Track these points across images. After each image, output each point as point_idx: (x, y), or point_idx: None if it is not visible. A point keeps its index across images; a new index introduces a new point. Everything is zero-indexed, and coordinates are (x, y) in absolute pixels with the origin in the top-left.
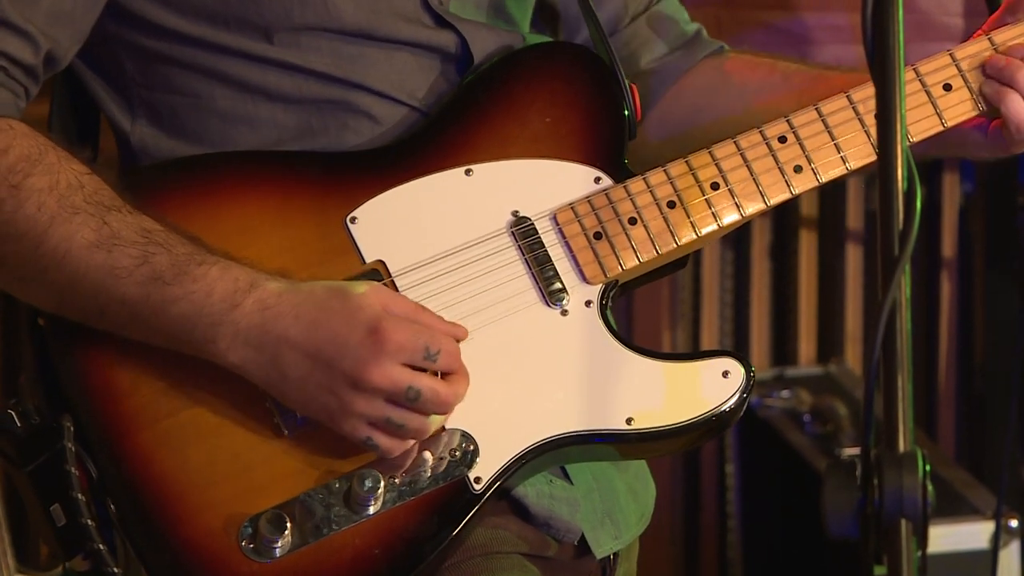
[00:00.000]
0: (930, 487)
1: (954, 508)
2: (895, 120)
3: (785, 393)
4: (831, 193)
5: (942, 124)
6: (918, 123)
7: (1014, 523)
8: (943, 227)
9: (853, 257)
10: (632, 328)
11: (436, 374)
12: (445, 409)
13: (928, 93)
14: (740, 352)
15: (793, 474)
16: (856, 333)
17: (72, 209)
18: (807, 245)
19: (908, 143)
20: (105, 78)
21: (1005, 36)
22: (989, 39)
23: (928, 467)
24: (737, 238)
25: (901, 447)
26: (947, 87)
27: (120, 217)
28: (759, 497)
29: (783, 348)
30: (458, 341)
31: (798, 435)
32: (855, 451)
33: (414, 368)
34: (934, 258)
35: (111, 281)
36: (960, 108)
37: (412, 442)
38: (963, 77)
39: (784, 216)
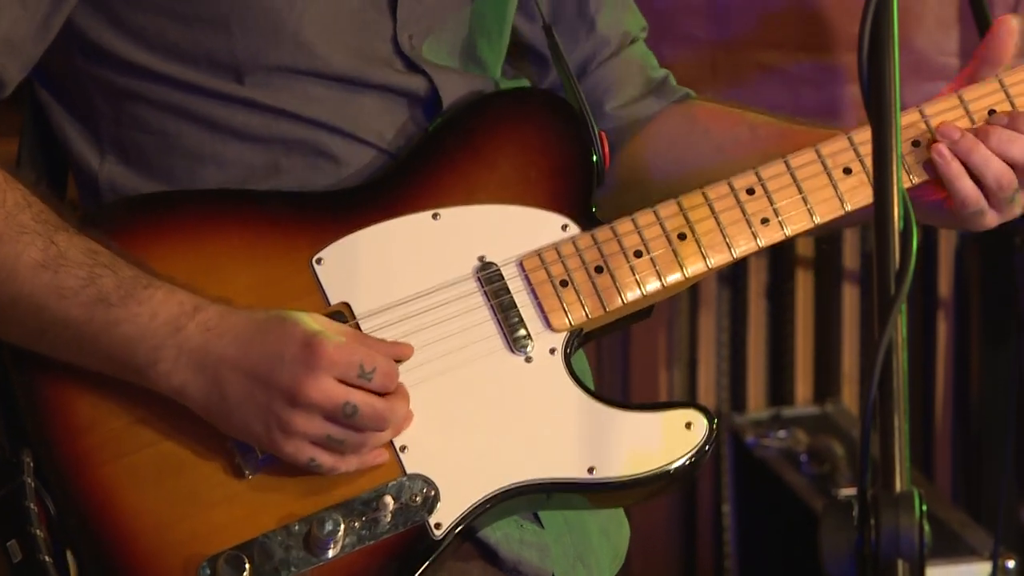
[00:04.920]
0: (927, 527)
1: (951, 548)
2: (891, 160)
3: (782, 433)
4: (827, 234)
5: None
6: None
7: (1011, 564)
8: (939, 267)
9: (849, 297)
10: (628, 369)
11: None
12: (383, 425)
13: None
14: (704, 404)
15: (790, 514)
16: (853, 373)
17: (19, 228)
18: (803, 285)
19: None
20: (74, 114)
21: (975, 94)
22: (959, 96)
23: (925, 507)
24: (733, 278)
25: (898, 487)
26: (915, 143)
27: (67, 237)
28: (756, 537)
29: (780, 388)
30: (400, 361)
31: (795, 475)
32: (852, 491)
33: (350, 384)
34: (930, 298)
35: (56, 301)
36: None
37: (355, 459)
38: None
39: (780, 256)
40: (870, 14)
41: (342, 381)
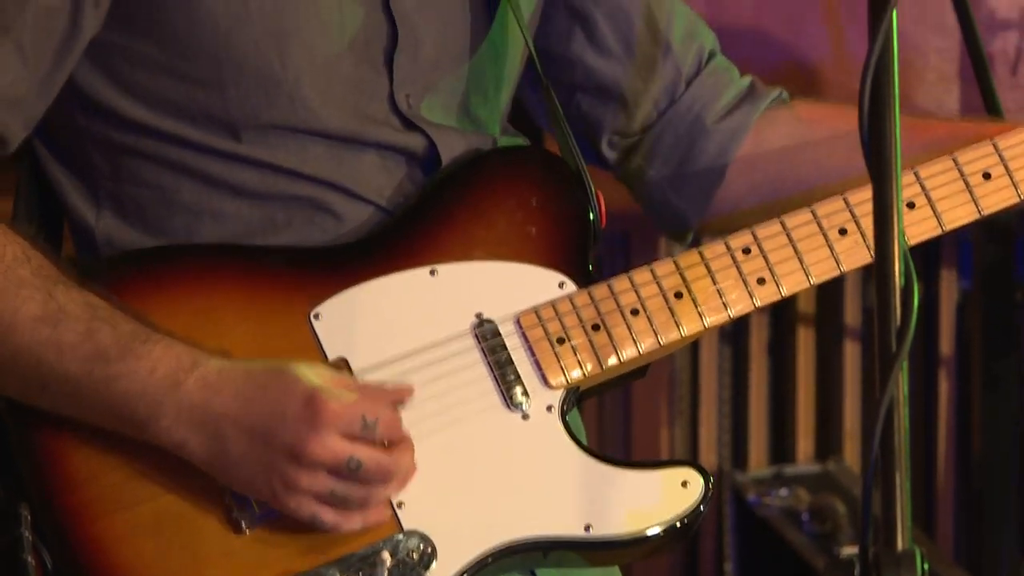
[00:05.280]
0: None
1: None
2: (892, 217)
3: (783, 491)
4: (828, 289)
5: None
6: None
7: None
8: (940, 324)
9: (851, 354)
10: (630, 425)
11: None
12: (388, 477)
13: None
14: (701, 463)
15: (792, 573)
16: (854, 430)
17: (18, 282)
18: (805, 342)
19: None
20: (71, 169)
21: (969, 157)
22: (953, 159)
23: (927, 566)
24: (735, 335)
25: (899, 546)
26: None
27: (66, 291)
28: None
29: (781, 446)
30: (401, 403)
31: (797, 534)
32: (854, 550)
33: (354, 439)
34: (932, 355)
35: (55, 356)
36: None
37: (358, 516)
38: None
39: (781, 312)
40: (871, 70)
41: (345, 436)
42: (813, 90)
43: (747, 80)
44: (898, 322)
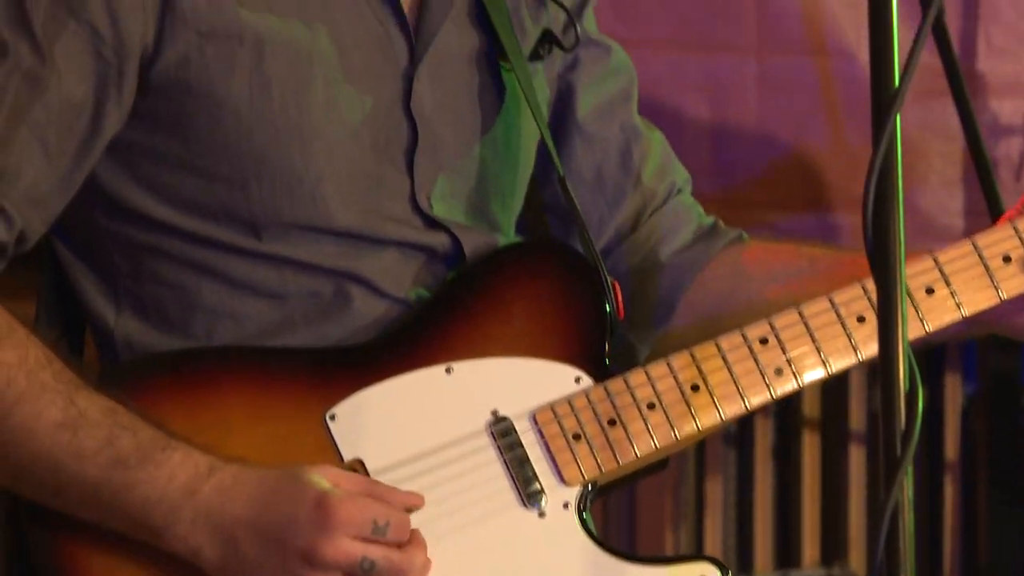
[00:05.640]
0: None
1: None
2: (896, 320)
3: None
4: (833, 393)
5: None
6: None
7: None
8: (946, 428)
9: (856, 458)
10: (635, 528)
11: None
12: None
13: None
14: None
15: None
16: (860, 535)
17: (41, 386)
18: (810, 446)
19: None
20: (92, 269)
21: (988, 240)
22: (972, 243)
23: None
24: (739, 439)
25: None
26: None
27: (87, 396)
28: None
29: (787, 550)
30: (412, 510)
31: None
32: None
33: (367, 540)
34: (936, 459)
35: (74, 462)
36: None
37: None
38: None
39: (786, 416)
40: (875, 174)
41: (357, 538)
42: (817, 193)
43: (710, 220)
44: (903, 426)
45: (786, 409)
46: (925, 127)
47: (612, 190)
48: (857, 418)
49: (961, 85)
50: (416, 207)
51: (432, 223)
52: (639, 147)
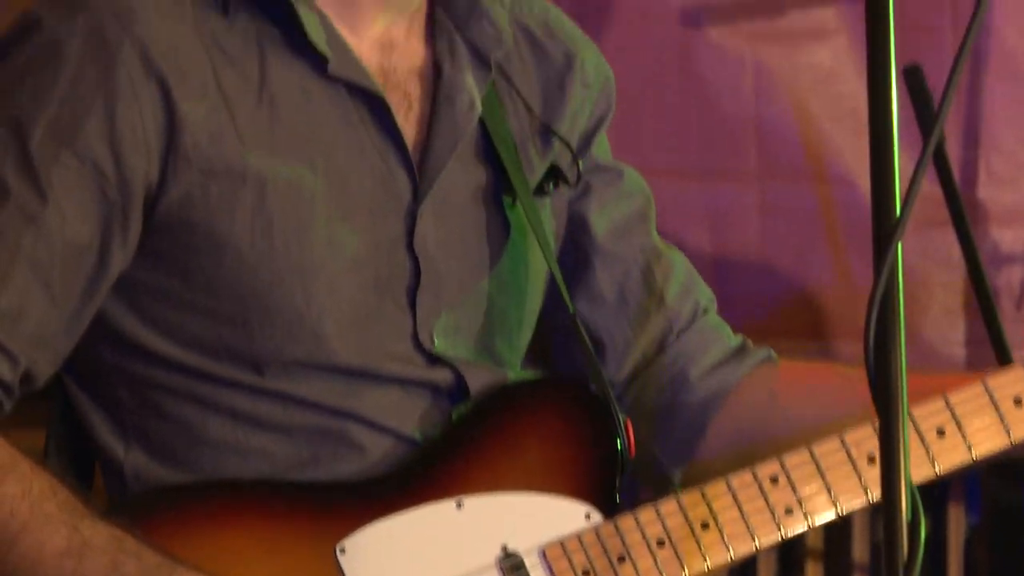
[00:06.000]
0: None
1: None
2: (899, 451)
3: None
4: (837, 524)
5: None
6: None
7: None
8: (949, 559)
9: None
10: None
11: None
12: None
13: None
14: None
15: None
16: None
17: (44, 516)
18: None
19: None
20: (100, 404)
21: (1000, 381)
22: (984, 384)
23: None
24: (743, 571)
25: None
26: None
27: (92, 524)
28: None
29: None
30: None
31: None
32: None
33: None
34: None
35: None
36: None
37: None
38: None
39: (790, 548)
40: (876, 304)
41: None
42: (818, 322)
43: (737, 339)
44: (905, 557)
45: (789, 540)
46: (926, 256)
47: (635, 310)
48: (860, 549)
49: (962, 214)
50: (418, 344)
51: (434, 360)
52: (660, 267)
